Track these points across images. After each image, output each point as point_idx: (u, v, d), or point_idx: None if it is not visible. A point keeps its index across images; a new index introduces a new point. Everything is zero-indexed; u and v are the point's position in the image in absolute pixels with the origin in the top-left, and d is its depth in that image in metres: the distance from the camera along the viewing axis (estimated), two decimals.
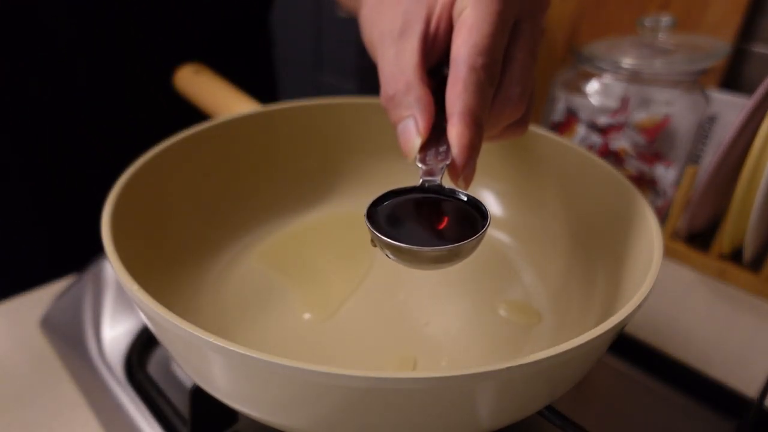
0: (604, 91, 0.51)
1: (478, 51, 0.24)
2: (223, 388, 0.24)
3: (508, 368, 0.20)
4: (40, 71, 0.50)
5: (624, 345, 0.38)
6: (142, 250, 0.31)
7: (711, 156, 0.56)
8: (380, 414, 0.21)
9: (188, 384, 0.34)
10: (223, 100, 0.46)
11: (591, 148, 0.51)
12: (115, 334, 0.39)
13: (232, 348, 0.20)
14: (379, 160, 0.43)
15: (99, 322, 0.39)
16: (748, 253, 0.45)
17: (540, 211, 0.40)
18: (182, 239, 0.36)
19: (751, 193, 0.42)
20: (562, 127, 0.53)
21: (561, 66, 0.60)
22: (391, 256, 0.24)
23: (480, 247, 0.25)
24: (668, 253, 0.50)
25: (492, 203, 0.42)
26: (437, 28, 0.26)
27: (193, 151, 0.37)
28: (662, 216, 0.52)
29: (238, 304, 0.36)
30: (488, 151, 0.41)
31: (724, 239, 0.46)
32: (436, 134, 0.26)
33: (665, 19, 0.49)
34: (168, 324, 0.22)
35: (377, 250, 0.25)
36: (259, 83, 0.67)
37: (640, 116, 0.50)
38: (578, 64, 0.51)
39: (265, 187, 0.42)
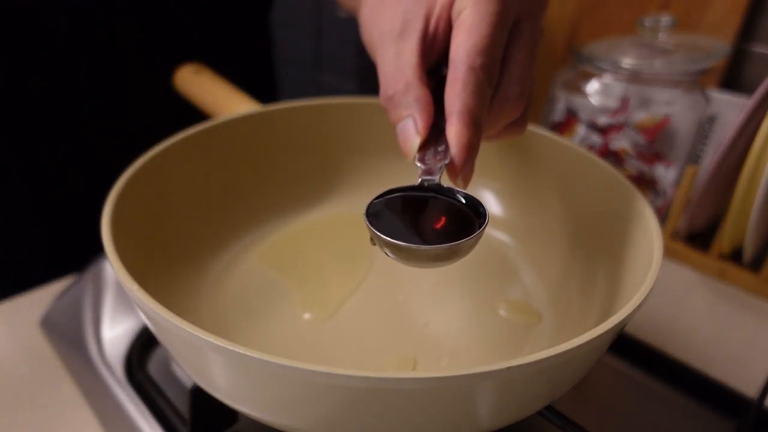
0: (604, 91, 0.51)
1: (477, 51, 0.24)
2: (223, 388, 0.24)
3: (508, 368, 0.20)
4: (40, 71, 0.50)
5: (624, 345, 0.38)
6: (142, 250, 0.31)
7: (711, 156, 0.56)
8: (380, 414, 0.21)
9: (188, 384, 0.34)
10: (223, 100, 0.46)
11: (591, 148, 0.51)
12: (115, 334, 0.39)
13: (232, 348, 0.20)
14: (379, 160, 0.43)
15: (99, 322, 0.39)
16: (748, 253, 0.45)
17: (540, 211, 0.40)
18: (182, 239, 0.36)
19: (751, 193, 0.42)
20: (562, 127, 0.53)
21: (561, 66, 0.60)
22: (390, 254, 0.24)
23: (480, 247, 0.25)
24: (668, 253, 0.50)
25: (492, 203, 0.42)
26: (436, 28, 0.26)
27: (193, 151, 0.37)
28: (662, 216, 0.52)
29: (238, 304, 0.36)
30: (488, 151, 0.41)
31: (724, 239, 0.46)
32: (435, 134, 0.26)
33: (665, 19, 0.49)
34: (168, 324, 0.22)
35: (377, 250, 0.25)
36: (259, 83, 0.67)
37: (640, 116, 0.50)
38: (578, 64, 0.51)
39: (265, 187, 0.42)
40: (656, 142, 0.50)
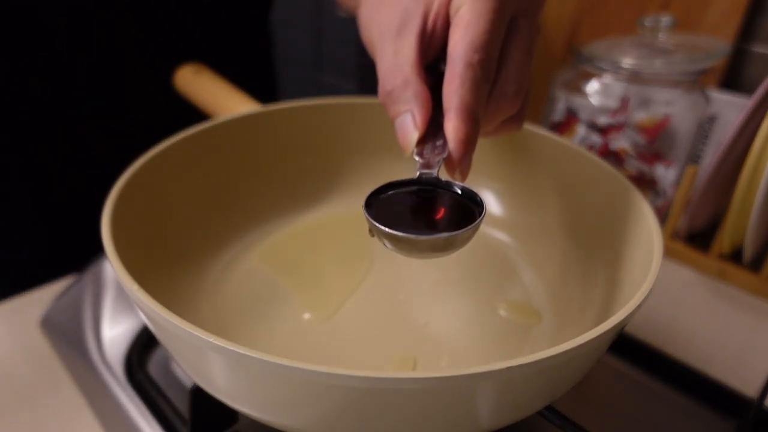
0: (604, 91, 0.51)
1: (475, 47, 0.24)
2: (223, 388, 0.24)
3: (508, 368, 0.20)
4: (40, 71, 0.50)
5: (624, 345, 0.38)
6: (142, 250, 0.31)
7: (711, 156, 0.55)
8: (380, 414, 0.21)
9: (188, 384, 0.34)
10: (223, 100, 0.46)
11: (591, 148, 0.51)
12: (115, 334, 0.39)
13: (232, 348, 0.20)
14: (379, 160, 0.43)
15: (99, 322, 0.39)
16: (748, 253, 0.45)
17: (540, 211, 0.40)
18: (182, 239, 0.36)
19: (751, 193, 0.42)
20: (562, 127, 0.53)
21: (561, 66, 0.60)
22: (388, 245, 0.25)
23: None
24: (668, 253, 0.50)
25: (492, 203, 0.42)
26: (434, 25, 0.27)
27: (193, 151, 0.37)
28: (662, 216, 0.52)
29: (238, 304, 0.36)
30: (488, 151, 0.41)
31: (724, 239, 0.46)
32: (433, 129, 0.26)
33: (665, 19, 0.49)
34: (168, 324, 0.22)
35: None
36: (259, 83, 0.67)
37: (640, 116, 0.50)
38: (578, 64, 0.51)
39: (265, 187, 0.42)
40: (656, 142, 0.50)
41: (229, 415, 0.31)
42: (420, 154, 0.26)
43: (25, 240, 0.56)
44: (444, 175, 0.26)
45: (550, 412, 0.28)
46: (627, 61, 0.48)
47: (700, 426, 0.34)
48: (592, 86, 0.51)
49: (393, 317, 0.35)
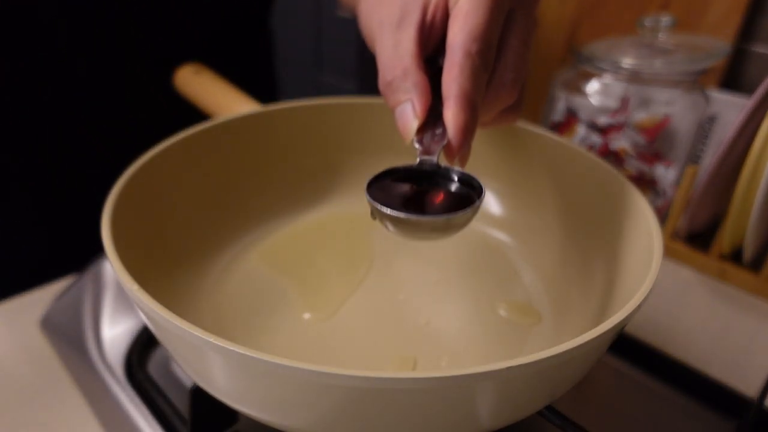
0: (604, 91, 0.51)
1: (473, 37, 0.25)
2: (223, 388, 0.24)
3: (508, 368, 0.20)
4: (40, 71, 0.50)
5: (624, 345, 0.38)
6: (142, 250, 0.31)
7: (711, 156, 0.56)
8: (380, 414, 0.21)
9: (188, 384, 0.34)
10: (223, 100, 0.46)
11: (591, 148, 0.51)
12: (114, 334, 0.39)
13: (232, 348, 0.20)
14: (379, 160, 0.43)
15: (99, 322, 0.39)
16: (748, 253, 0.45)
17: (540, 211, 0.40)
18: (182, 239, 0.36)
19: (751, 193, 0.42)
20: (562, 127, 0.53)
21: (561, 66, 0.60)
22: (390, 227, 0.25)
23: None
24: (668, 253, 0.50)
25: (492, 203, 0.42)
26: (434, 17, 0.27)
27: (193, 151, 0.37)
28: (662, 216, 0.52)
29: (238, 304, 0.36)
30: (488, 151, 0.41)
31: (724, 239, 0.46)
32: (433, 119, 0.26)
33: (665, 19, 0.49)
34: (168, 324, 0.22)
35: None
36: (259, 83, 0.67)
37: (640, 116, 0.50)
38: (578, 64, 0.51)
39: (265, 187, 0.42)
40: (656, 142, 0.50)
41: (229, 415, 0.31)
42: (420, 142, 0.26)
43: (25, 240, 0.56)
44: (444, 163, 0.26)
45: (550, 412, 0.28)
46: (627, 61, 0.48)
47: (700, 426, 0.34)
48: (592, 86, 0.51)
49: (393, 317, 0.35)
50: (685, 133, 0.50)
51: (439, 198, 0.26)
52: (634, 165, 0.51)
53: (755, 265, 0.47)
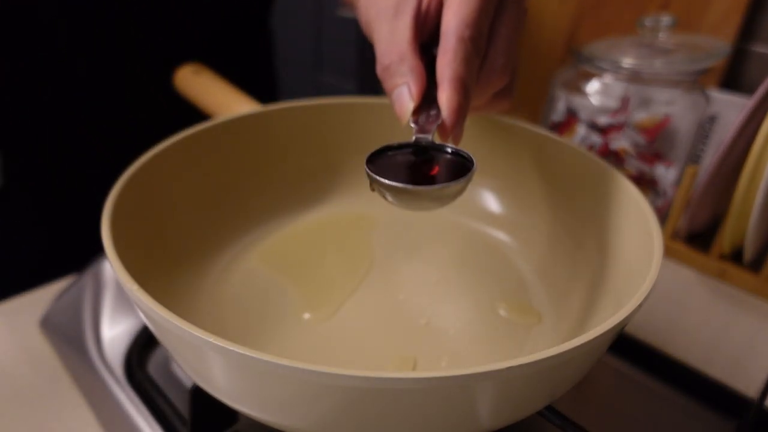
0: (604, 91, 0.51)
1: (466, 24, 0.26)
2: (222, 388, 0.24)
3: (508, 368, 0.20)
4: (40, 71, 0.50)
5: (624, 345, 0.38)
6: (142, 250, 0.31)
7: (711, 156, 0.56)
8: (380, 414, 0.21)
9: (188, 384, 0.34)
10: (223, 100, 0.46)
11: (591, 148, 0.51)
12: (114, 334, 0.39)
13: (231, 348, 0.20)
14: None
15: (99, 322, 0.39)
16: (748, 253, 0.45)
17: (540, 211, 0.40)
18: (182, 239, 0.36)
19: (751, 193, 0.42)
20: (562, 127, 0.53)
21: (561, 66, 0.60)
22: (389, 198, 0.27)
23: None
24: (668, 253, 0.50)
25: (492, 203, 0.42)
26: (428, 6, 0.29)
27: (193, 151, 0.37)
28: (662, 216, 0.52)
29: (238, 304, 0.36)
30: (489, 151, 0.41)
31: (724, 239, 0.46)
32: (427, 103, 0.28)
33: (665, 19, 0.49)
34: (168, 324, 0.22)
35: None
36: (259, 83, 0.67)
37: (640, 116, 0.50)
38: (578, 64, 0.51)
39: (265, 187, 0.42)
40: (656, 142, 0.50)
41: (229, 415, 0.31)
42: (416, 123, 0.28)
43: (25, 240, 0.56)
44: (438, 141, 0.28)
45: (550, 412, 0.28)
46: (627, 61, 0.48)
47: (700, 426, 0.34)
48: (592, 86, 0.51)
49: (393, 317, 0.35)
50: (685, 133, 0.50)
51: (435, 170, 0.28)
52: (634, 165, 0.51)
53: (755, 266, 0.47)
